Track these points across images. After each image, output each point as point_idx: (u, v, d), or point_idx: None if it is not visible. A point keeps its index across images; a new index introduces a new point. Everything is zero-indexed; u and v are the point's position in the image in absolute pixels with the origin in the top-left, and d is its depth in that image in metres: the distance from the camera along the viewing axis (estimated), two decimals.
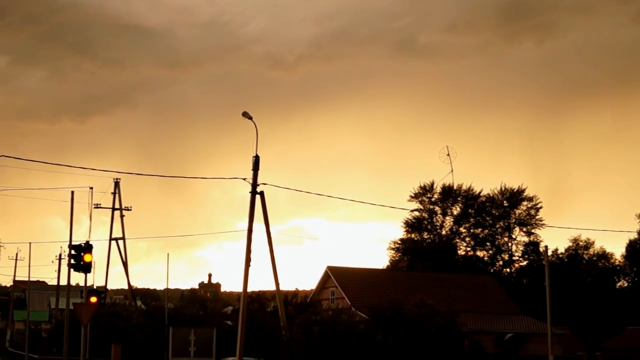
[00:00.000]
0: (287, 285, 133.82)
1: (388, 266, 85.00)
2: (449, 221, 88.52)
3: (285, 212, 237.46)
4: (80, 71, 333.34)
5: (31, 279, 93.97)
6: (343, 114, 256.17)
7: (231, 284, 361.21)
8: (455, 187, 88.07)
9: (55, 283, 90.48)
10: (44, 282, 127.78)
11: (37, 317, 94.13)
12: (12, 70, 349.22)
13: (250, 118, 43.98)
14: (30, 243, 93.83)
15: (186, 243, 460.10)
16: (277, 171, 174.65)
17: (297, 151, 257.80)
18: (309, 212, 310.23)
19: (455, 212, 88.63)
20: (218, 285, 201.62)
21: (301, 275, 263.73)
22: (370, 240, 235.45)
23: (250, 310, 49.99)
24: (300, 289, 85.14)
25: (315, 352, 40.86)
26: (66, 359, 39.37)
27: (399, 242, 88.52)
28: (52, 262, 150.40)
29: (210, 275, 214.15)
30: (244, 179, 44.47)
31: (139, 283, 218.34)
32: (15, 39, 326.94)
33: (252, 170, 44.10)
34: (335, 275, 64.00)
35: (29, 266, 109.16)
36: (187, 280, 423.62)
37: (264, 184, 44.83)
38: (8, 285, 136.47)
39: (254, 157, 43.94)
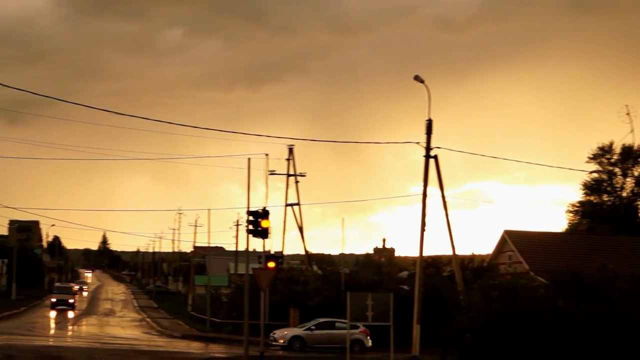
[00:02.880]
0: (463, 249, 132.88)
1: (566, 229, 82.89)
2: (629, 182, 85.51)
3: (459, 176, 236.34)
4: (253, 40, 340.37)
5: (210, 245, 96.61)
6: (517, 75, 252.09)
7: (405, 248, 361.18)
8: (635, 148, 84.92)
9: (234, 248, 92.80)
10: (222, 247, 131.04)
11: (217, 282, 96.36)
12: (188, 41, 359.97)
13: (422, 81, 43.56)
14: (209, 210, 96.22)
15: (360, 208, 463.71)
16: (450, 134, 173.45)
17: (471, 114, 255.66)
18: (483, 176, 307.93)
19: (636, 173, 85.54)
20: (392, 250, 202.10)
21: (477, 240, 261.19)
22: (547, 203, 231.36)
23: (426, 275, 49.73)
24: (475, 253, 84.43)
25: (494, 317, 40.23)
26: (247, 323, 40.08)
27: (578, 204, 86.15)
28: (230, 228, 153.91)
29: (384, 240, 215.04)
30: (418, 143, 44.19)
31: (314, 248, 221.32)
32: (191, 10, 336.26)
33: (426, 134, 43.76)
34: (513, 239, 62.86)
35: (208, 232, 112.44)
36: (361, 245, 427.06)
37: (438, 147, 44.45)
38: (188, 251, 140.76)
39: (427, 120, 43.58)
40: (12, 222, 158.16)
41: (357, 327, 48.18)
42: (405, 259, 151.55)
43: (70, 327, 68.92)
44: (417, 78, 43.64)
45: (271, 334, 52.10)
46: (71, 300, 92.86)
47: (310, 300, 57.75)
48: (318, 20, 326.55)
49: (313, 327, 50.91)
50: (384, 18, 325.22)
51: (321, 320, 52.00)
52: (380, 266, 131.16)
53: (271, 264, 40.56)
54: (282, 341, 50.66)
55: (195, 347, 52.36)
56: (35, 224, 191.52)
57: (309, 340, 50.42)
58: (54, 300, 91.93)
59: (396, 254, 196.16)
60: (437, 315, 44.89)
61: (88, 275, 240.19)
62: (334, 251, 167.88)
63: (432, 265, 62.04)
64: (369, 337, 48.56)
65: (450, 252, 48.17)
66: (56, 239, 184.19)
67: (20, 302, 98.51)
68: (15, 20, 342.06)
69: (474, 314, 41.10)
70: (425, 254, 46.75)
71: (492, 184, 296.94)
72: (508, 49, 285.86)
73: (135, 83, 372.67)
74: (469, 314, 42.09)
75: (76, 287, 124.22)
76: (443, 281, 56.41)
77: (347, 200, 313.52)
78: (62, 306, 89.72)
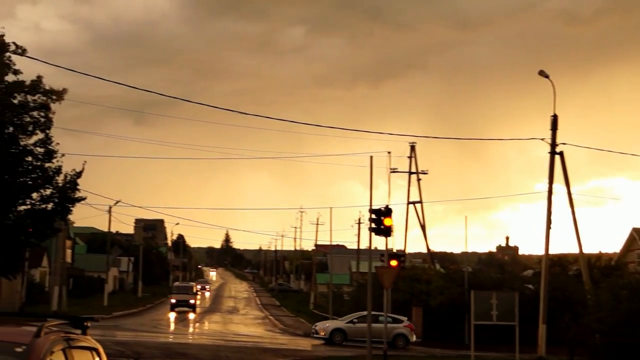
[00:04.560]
0: (589, 247, 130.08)
1: None
2: None
3: (585, 172, 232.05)
4: (373, 37, 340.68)
5: (332, 243, 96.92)
6: None
7: (529, 246, 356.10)
8: None
9: (355, 247, 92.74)
10: (343, 245, 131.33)
11: (338, 280, 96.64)
12: (309, 40, 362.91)
13: (547, 76, 42.75)
14: (330, 208, 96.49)
15: (483, 205, 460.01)
16: (576, 130, 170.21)
17: (597, 108, 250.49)
18: (610, 172, 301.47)
19: None
20: (516, 248, 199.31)
21: (603, 238, 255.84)
22: None
23: (551, 274, 48.73)
24: (602, 251, 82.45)
25: (624, 317, 39.14)
26: (370, 321, 39.96)
27: None
28: (352, 226, 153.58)
29: (507, 238, 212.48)
30: (542, 139, 43.36)
31: (436, 246, 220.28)
32: (311, 9, 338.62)
33: (551, 129, 42.90)
34: None
35: (330, 230, 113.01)
36: (483, 243, 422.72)
37: (563, 143, 43.54)
38: (310, 249, 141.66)
39: (552, 116, 42.72)
40: (138, 221, 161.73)
41: (400, 322, 47.85)
42: (529, 257, 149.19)
43: (194, 325, 69.97)
44: (542, 73, 42.86)
45: (313, 326, 52.15)
46: (192, 301, 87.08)
47: (433, 299, 57.29)
48: (438, 15, 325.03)
49: (355, 320, 51.06)
50: (505, 12, 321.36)
51: (364, 313, 52.04)
52: (503, 265, 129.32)
53: (394, 262, 40.27)
54: (323, 333, 50.71)
55: (318, 345, 52.48)
56: (160, 222, 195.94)
57: (350, 333, 50.51)
58: (173, 301, 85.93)
59: (519, 252, 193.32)
60: (563, 315, 43.97)
61: (212, 274, 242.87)
62: (456, 249, 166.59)
63: (558, 264, 60.93)
64: (413, 332, 48.16)
65: (576, 251, 47.12)
66: (180, 238, 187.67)
67: (146, 300, 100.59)
68: (140, 23, 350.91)
69: (603, 314, 40.05)
70: (550, 252, 45.89)
71: (619, 180, 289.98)
72: (636, 40, 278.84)
73: (257, 82, 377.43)
74: (598, 314, 41.04)
75: (198, 287, 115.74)
76: (569, 280, 55.32)
77: (469, 198, 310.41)
78: (183, 307, 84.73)
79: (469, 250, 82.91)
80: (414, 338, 48.76)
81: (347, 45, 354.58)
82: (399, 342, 49.77)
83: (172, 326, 67.31)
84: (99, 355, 7.59)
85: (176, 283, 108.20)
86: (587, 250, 52.54)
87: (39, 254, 72.07)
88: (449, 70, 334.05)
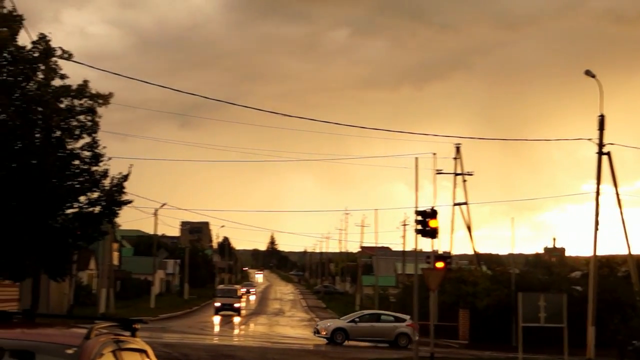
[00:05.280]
0: (638, 249, 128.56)
1: None
2: None
3: (633, 172, 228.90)
4: (417, 38, 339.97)
5: (377, 245, 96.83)
6: None
7: (576, 248, 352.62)
8: None
9: (400, 248, 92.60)
10: (388, 247, 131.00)
11: (384, 282, 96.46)
12: (353, 42, 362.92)
13: (594, 76, 42.40)
14: (376, 210, 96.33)
15: (529, 207, 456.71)
16: (624, 130, 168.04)
17: None
18: None
19: None
20: (563, 250, 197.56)
21: None
22: None
23: (600, 276, 48.27)
24: None
25: None
26: (417, 324, 39.86)
27: None
28: (397, 228, 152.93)
29: (554, 239, 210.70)
30: (589, 140, 43.00)
31: (482, 248, 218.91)
32: (355, 11, 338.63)
33: (598, 130, 42.54)
34: None
35: (376, 232, 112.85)
36: (530, 244, 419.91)
37: (611, 144, 43.14)
38: (355, 251, 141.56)
39: (599, 116, 42.35)
40: (184, 224, 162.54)
41: (403, 321, 47.68)
42: (577, 258, 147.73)
43: (240, 327, 70.18)
44: (588, 73, 42.50)
45: (315, 325, 52.13)
46: (237, 305, 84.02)
47: (479, 301, 56.94)
48: (482, 16, 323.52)
49: (357, 320, 50.94)
50: (551, 12, 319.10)
51: (366, 312, 51.84)
52: (550, 266, 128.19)
53: (440, 264, 40.06)
54: (324, 333, 50.63)
55: (365, 347, 52.39)
56: (206, 225, 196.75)
57: (352, 332, 50.38)
58: (217, 305, 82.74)
59: (567, 253, 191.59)
60: (612, 317, 43.67)
61: (258, 277, 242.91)
62: (503, 251, 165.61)
63: (606, 265, 60.31)
64: (416, 331, 48.16)
65: (625, 252, 46.66)
66: (226, 240, 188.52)
67: (192, 302, 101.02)
68: (185, 27, 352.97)
69: None
70: (598, 253, 45.45)
71: None
72: None
73: (301, 84, 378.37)
74: None
75: (242, 290, 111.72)
76: (618, 282, 54.79)
77: (515, 199, 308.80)
78: (227, 311, 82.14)
79: (516, 252, 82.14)
80: (417, 337, 48.81)
81: (391, 46, 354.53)
82: (401, 340, 49.81)
83: (219, 328, 67.53)
84: (148, 356, 7.59)
85: (220, 286, 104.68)
86: (636, 251, 52.01)
87: (87, 257, 72.77)
88: (494, 70, 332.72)
